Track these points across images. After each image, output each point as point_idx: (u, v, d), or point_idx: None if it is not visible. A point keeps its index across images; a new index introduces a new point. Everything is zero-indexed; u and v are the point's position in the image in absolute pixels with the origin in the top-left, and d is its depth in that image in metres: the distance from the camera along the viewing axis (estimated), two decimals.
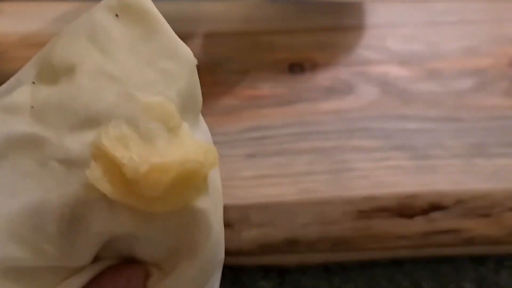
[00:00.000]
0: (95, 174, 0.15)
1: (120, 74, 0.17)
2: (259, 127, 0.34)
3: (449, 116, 0.35)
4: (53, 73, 0.18)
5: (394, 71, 0.38)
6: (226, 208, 0.30)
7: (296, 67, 0.38)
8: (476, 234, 0.31)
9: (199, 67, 0.41)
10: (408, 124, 0.34)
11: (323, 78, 0.37)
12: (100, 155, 0.16)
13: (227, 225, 0.30)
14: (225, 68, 0.38)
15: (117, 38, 0.18)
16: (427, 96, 0.36)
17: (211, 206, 0.17)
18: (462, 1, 0.43)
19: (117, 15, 0.18)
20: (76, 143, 0.16)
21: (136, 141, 0.16)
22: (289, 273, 0.31)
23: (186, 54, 0.19)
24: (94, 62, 0.17)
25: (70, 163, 0.16)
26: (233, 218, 0.30)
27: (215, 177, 0.19)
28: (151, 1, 0.19)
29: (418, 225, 0.31)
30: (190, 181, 0.16)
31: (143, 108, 0.17)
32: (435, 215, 0.31)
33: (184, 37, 0.41)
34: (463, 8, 0.42)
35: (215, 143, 0.33)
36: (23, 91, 0.17)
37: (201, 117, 0.20)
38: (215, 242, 0.18)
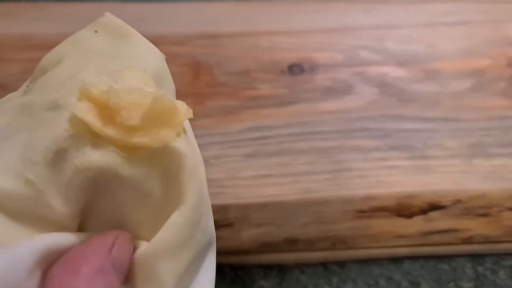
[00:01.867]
0: (81, 107, 0.18)
1: (99, 59, 0.21)
2: (259, 127, 0.34)
3: (448, 117, 0.35)
4: (43, 71, 0.21)
5: (393, 71, 0.38)
6: (226, 208, 0.30)
7: (296, 68, 0.38)
8: (474, 233, 0.31)
9: (199, 67, 0.41)
10: (407, 124, 0.34)
11: (322, 78, 0.37)
12: (85, 94, 0.18)
13: (228, 224, 0.30)
14: (225, 68, 0.38)
15: (97, 42, 0.22)
16: (426, 97, 0.36)
17: (192, 154, 0.19)
18: (460, 2, 0.43)
19: (96, 32, 0.22)
20: (61, 94, 0.19)
21: (115, 85, 0.18)
22: (289, 272, 0.32)
23: (155, 49, 0.22)
24: (77, 54, 0.21)
25: (57, 107, 0.18)
26: (233, 217, 0.30)
27: (192, 140, 0.21)
28: (122, 21, 0.23)
29: (416, 224, 0.31)
30: (166, 118, 0.18)
31: (122, 72, 0.19)
32: (433, 214, 0.31)
33: (184, 38, 0.42)
34: (461, 10, 0.42)
35: (215, 143, 0.33)
36: (19, 90, 0.21)
37: None
38: (199, 189, 0.19)
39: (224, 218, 0.30)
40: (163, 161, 0.18)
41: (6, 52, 0.38)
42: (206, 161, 0.32)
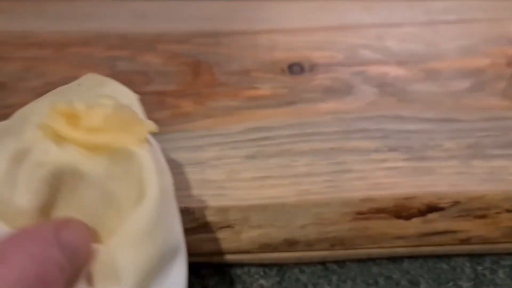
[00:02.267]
0: (50, 114, 0.20)
1: (76, 94, 0.23)
2: (259, 128, 0.34)
3: (447, 117, 0.35)
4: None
5: (393, 71, 0.38)
6: (226, 209, 0.30)
7: (296, 67, 0.38)
8: (472, 235, 0.31)
9: (199, 66, 0.41)
10: (406, 125, 0.34)
11: (322, 78, 0.37)
12: (54, 108, 0.20)
13: (227, 226, 0.30)
14: (225, 68, 0.38)
15: (76, 89, 0.25)
16: (425, 97, 0.36)
17: (154, 161, 0.20)
18: (461, 0, 0.42)
19: (79, 84, 0.25)
20: (33, 112, 0.21)
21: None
22: (288, 271, 0.32)
23: (128, 91, 0.25)
24: (57, 93, 0.24)
25: (28, 120, 0.20)
26: (233, 219, 0.30)
27: (159, 155, 0.22)
28: (103, 76, 0.26)
29: (415, 226, 0.31)
30: (128, 125, 0.20)
31: (94, 98, 0.21)
32: (432, 216, 0.31)
33: (184, 36, 0.42)
34: (461, 7, 0.42)
35: (215, 144, 0.33)
36: None
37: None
38: (162, 189, 0.20)
39: (224, 220, 0.30)
40: (124, 162, 0.20)
41: (5, 50, 0.38)
42: (206, 162, 0.32)
